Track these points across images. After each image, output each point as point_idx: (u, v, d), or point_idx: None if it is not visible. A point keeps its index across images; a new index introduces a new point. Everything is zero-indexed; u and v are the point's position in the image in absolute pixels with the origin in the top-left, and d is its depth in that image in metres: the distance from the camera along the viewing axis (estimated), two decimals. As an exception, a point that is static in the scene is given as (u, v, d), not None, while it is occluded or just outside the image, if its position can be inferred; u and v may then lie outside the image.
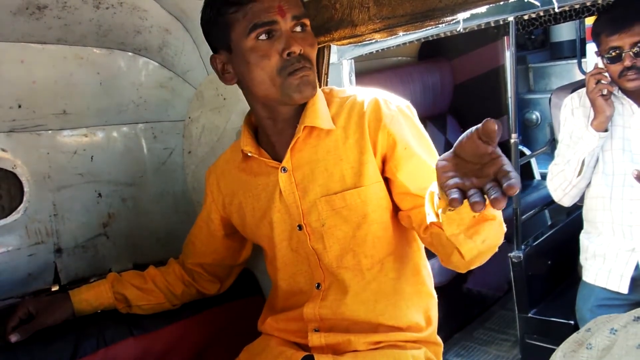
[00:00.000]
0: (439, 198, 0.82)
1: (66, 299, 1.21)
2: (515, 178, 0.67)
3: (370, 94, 1.05)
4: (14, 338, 1.10)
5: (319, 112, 1.04)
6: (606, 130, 1.66)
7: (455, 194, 0.70)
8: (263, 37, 0.97)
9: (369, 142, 1.01)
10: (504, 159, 0.71)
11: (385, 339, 1.06)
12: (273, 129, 1.07)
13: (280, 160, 1.07)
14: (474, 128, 0.71)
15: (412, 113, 1.06)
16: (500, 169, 0.70)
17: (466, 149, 0.73)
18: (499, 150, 0.72)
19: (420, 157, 1.00)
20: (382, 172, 1.03)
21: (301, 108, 1.05)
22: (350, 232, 1.04)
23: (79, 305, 1.22)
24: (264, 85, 1.00)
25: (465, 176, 0.73)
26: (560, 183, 1.77)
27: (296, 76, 0.97)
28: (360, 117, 1.02)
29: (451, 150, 0.77)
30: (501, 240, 0.88)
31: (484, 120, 0.70)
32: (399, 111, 1.03)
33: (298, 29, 0.98)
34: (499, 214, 0.84)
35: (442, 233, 0.88)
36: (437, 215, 0.86)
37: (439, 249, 0.97)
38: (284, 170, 1.06)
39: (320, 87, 1.23)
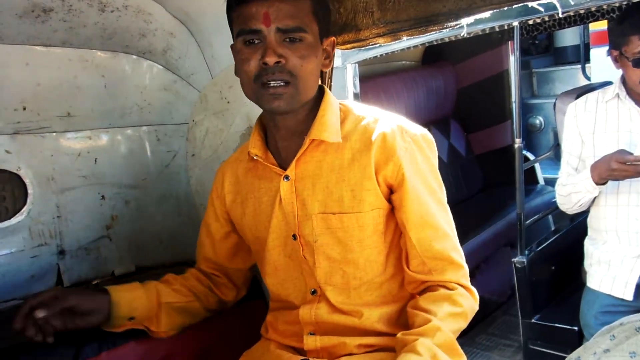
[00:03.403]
0: None
1: (102, 291, 1.12)
2: None
3: (387, 121, 1.03)
4: (40, 314, 0.99)
5: (327, 125, 1.03)
6: (605, 183, 1.65)
7: None
8: (248, 42, 0.98)
9: (374, 169, 1.00)
10: None
11: (379, 342, 1.06)
12: (278, 134, 1.07)
13: (284, 167, 1.07)
14: None
15: (428, 144, 1.05)
16: None
17: None
18: None
19: (423, 199, 1.01)
20: (390, 199, 1.03)
21: (306, 118, 1.04)
22: (342, 254, 1.04)
23: (115, 294, 1.11)
24: (245, 88, 1.02)
25: None
26: (570, 206, 1.78)
27: (268, 90, 0.97)
28: (370, 142, 1.01)
29: None
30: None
31: None
32: (413, 142, 1.03)
33: (288, 40, 0.97)
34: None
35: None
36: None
37: None
38: (287, 178, 1.06)
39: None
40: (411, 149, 1.02)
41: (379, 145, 1.00)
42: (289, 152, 1.07)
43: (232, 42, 1.05)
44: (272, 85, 0.96)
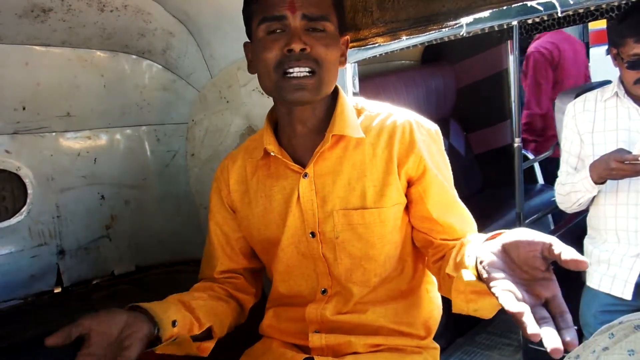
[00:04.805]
0: (475, 277, 0.82)
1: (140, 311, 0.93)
2: (572, 327, 0.65)
3: (402, 115, 1.05)
4: None
5: (347, 121, 1.02)
6: (604, 182, 1.65)
7: (513, 305, 0.66)
8: (271, 31, 0.96)
9: (396, 163, 1.01)
10: (556, 285, 0.70)
11: (385, 342, 1.06)
12: (293, 131, 1.05)
13: (301, 164, 1.05)
14: (541, 240, 0.70)
15: (440, 137, 1.08)
16: (554, 299, 0.69)
17: (521, 253, 0.72)
18: (552, 272, 0.71)
19: (445, 186, 1.03)
20: (406, 193, 1.03)
21: (323, 115, 1.04)
22: (363, 250, 1.03)
23: (142, 306, 0.94)
24: (262, 78, 0.99)
25: (516, 284, 0.70)
26: (569, 205, 1.79)
27: (291, 81, 0.95)
28: (391, 137, 1.02)
29: (500, 243, 0.75)
30: (491, 315, 0.90)
31: (573, 258, 0.66)
32: (429, 136, 1.05)
33: (311, 29, 0.96)
34: None
35: (447, 278, 0.94)
36: (455, 269, 0.89)
37: (438, 280, 1.05)
38: (305, 176, 1.04)
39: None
40: (428, 141, 1.04)
41: (400, 140, 1.01)
42: (305, 150, 1.05)
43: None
44: (295, 75, 0.94)
